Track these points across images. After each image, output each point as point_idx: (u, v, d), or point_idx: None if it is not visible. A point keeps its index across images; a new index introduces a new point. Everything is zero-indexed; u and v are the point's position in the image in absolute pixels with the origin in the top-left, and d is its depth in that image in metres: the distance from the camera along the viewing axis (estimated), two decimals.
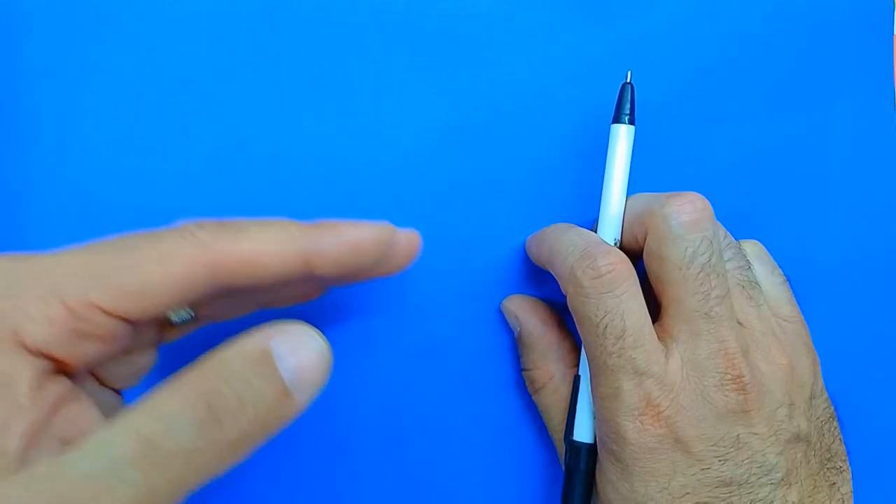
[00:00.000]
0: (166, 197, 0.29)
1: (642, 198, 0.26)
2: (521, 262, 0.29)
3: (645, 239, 0.25)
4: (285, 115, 0.29)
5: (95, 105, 0.29)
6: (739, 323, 0.25)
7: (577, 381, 0.26)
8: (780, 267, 0.28)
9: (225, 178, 0.29)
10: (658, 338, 0.24)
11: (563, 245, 0.25)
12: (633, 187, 0.27)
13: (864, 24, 0.30)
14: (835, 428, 0.26)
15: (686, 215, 0.24)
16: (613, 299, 0.23)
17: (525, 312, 0.28)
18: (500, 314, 0.29)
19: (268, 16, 0.29)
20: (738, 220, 0.30)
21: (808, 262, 0.30)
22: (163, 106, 0.29)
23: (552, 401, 0.28)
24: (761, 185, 0.30)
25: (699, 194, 0.24)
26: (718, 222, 0.25)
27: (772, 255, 0.28)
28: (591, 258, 0.24)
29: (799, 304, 0.28)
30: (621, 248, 0.26)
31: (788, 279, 0.27)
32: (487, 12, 0.29)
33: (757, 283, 0.26)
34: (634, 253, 0.26)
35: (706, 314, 0.24)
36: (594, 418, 0.25)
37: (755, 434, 0.23)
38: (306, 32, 0.29)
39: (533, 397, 0.29)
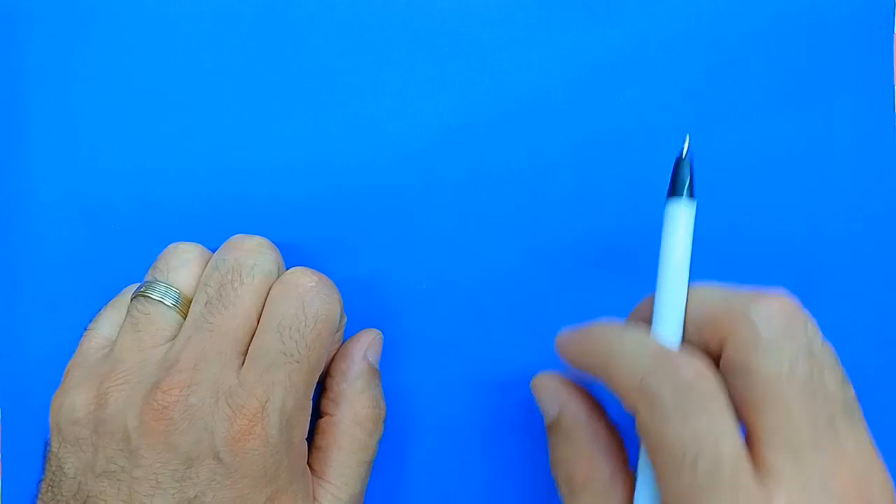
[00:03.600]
0: (167, 197, 0.29)
1: (712, 292, 0.22)
2: (520, 262, 0.29)
3: (719, 346, 0.21)
4: (285, 115, 0.29)
5: (96, 105, 0.29)
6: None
7: None
8: (780, 269, 0.28)
9: (225, 177, 0.29)
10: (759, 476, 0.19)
11: (622, 353, 0.21)
12: (637, 187, 0.27)
13: (864, 24, 0.30)
14: None
15: (778, 318, 0.20)
16: (705, 419, 0.19)
17: (567, 396, 0.24)
18: (501, 314, 0.29)
19: (268, 16, 0.29)
20: (737, 220, 0.30)
21: (808, 262, 0.30)
22: (163, 106, 0.29)
23: None
24: (761, 184, 0.30)
25: (789, 292, 0.20)
26: (813, 323, 0.21)
27: (771, 256, 0.28)
28: (669, 364, 0.19)
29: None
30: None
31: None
32: (487, 12, 0.29)
33: (857, 401, 0.21)
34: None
35: (815, 442, 0.19)
36: None
37: None
38: (306, 32, 0.29)
39: (565, 501, 0.23)
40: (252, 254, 0.25)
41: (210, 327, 0.24)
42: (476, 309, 0.29)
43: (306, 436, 0.25)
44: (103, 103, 0.29)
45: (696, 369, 0.19)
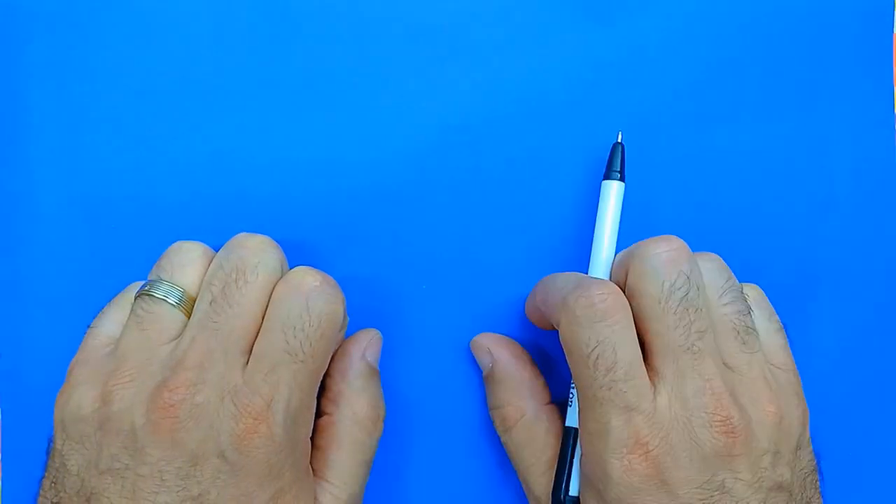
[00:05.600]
0: (169, 195, 0.29)
1: (629, 247, 0.26)
2: (519, 262, 0.29)
3: (625, 282, 0.25)
4: (286, 115, 0.29)
5: (96, 104, 0.29)
6: (728, 367, 0.24)
7: (569, 433, 0.26)
8: (780, 270, 0.28)
9: (225, 177, 0.29)
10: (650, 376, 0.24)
11: (556, 282, 0.25)
12: (640, 185, 0.27)
13: (864, 24, 0.30)
14: (816, 481, 0.25)
15: (664, 253, 0.24)
16: (606, 329, 0.23)
17: (498, 347, 0.28)
18: (500, 313, 0.29)
19: (268, 17, 0.29)
20: (736, 220, 0.30)
21: (808, 262, 0.30)
22: (164, 105, 0.29)
23: (524, 439, 0.27)
24: (761, 185, 0.30)
25: (677, 237, 0.24)
26: (726, 265, 0.26)
27: (771, 256, 0.28)
28: (584, 288, 0.23)
29: (798, 306, 0.28)
30: None
31: (785, 326, 0.27)
32: (487, 12, 0.29)
33: (754, 329, 0.25)
34: None
35: (688, 349, 0.23)
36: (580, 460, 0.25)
37: (740, 479, 0.23)
38: (306, 33, 0.29)
39: (502, 437, 0.28)
40: (256, 252, 0.25)
41: (215, 326, 0.24)
42: (476, 309, 0.29)
43: (310, 435, 0.25)
44: (104, 103, 0.29)
45: (603, 290, 0.23)
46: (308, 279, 0.24)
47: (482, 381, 0.29)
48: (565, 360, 0.24)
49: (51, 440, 0.25)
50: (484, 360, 0.28)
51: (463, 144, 0.29)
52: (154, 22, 0.29)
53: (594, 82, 0.30)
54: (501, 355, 0.28)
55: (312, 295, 0.24)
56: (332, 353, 0.26)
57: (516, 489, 0.29)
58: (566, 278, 0.25)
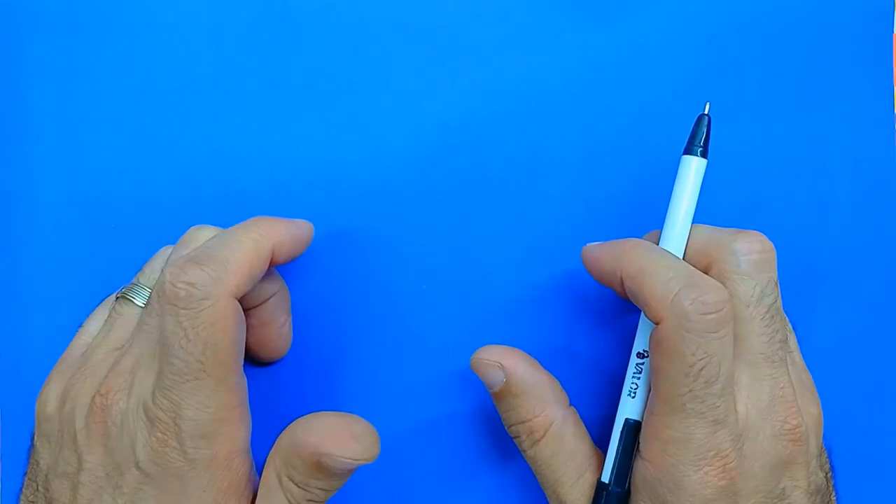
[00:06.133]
0: (167, 197, 0.29)
1: (705, 230, 0.25)
2: (520, 262, 0.29)
3: (705, 271, 0.24)
4: (285, 115, 0.29)
5: (96, 105, 0.29)
6: None
7: (629, 428, 0.24)
8: (780, 270, 0.28)
9: (225, 177, 0.29)
10: None
11: (659, 266, 0.23)
12: (637, 186, 0.27)
13: (864, 24, 0.30)
14: (832, 477, 0.26)
15: (756, 254, 0.23)
16: (717, 342, 0.21)
17: (510, 358, 0.25)
18: (501, 313, 0.29)
19: (268, 17, 0.29)
20: (736, 220, 0.30)
21: (808, 262, 0.30)
22: (163, 106, 0.29)
23: (553, 449, 0.25)
24: (760, 185, 0.30)
25: (764, 235, 0.24)
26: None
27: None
28: (700, 291, 0.22)
29: (798, 306, 0.28)
30: None
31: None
32: (487, 12, 0.29)
33: (791, 330, 0.25)
34: None
35: (768, 357, 0.23)
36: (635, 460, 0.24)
37: (798, 486, 0.23)
38: (306, 33, 0.29)
39: (528, 451, 0.25)
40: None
41: (148, 329, 0.23)
42: (476, 309, 0.29)
43: (244, 449, 0.23)
44: (104, 103, 0.29)
45: (721, 296, 0.22)
46: (172, 288, 0.22)
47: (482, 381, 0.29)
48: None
49: (32, 435, 0.25)
50: (494, 376, 0.25)
51: (463, 144, 0.29)
52: (154, 22, 0.29)
53: (594, 82, 0.30)
54: (517, 367, 0.25)
55: (181, 308, 0.21)
56: (237, 348, 0.23)
57: (516, 490, 0.29)
58: (670, 264, 0.23)
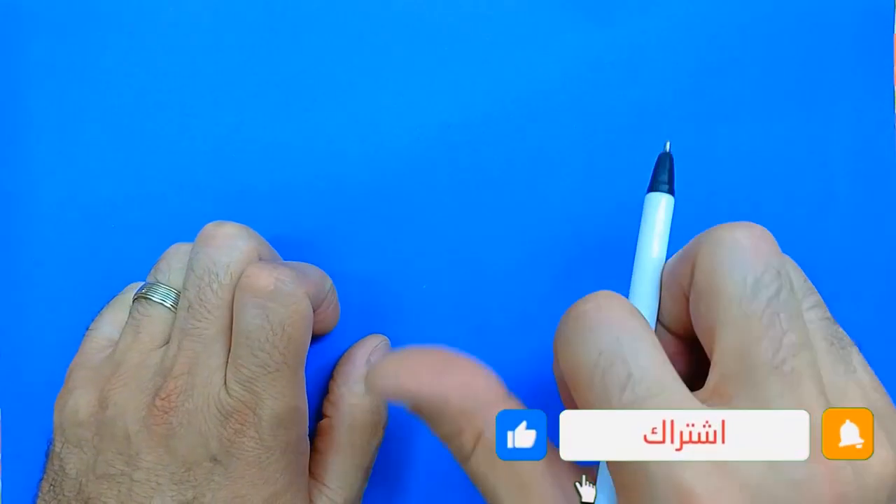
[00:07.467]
0: (167, 196, 0.29)
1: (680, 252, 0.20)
2: (520, 262, 0.29)
3: (690, 287, 0.19)
4: (286, 115, 0.29)
5: (96, 105, 0.29)
6: (826, 397, 0.17)
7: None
8: None
9: (225, 177, 0.29)
10: (708, 405, 0.17)
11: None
12: (637, 186, 0.27)
13: (864, 24, 0.30)
14: None
15: (744, 240, 0.18)
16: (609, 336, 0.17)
17: (407, 376, 0.20)
18: (501, 313, 0.29)
19: (268, 16, 0.29)
20: (736, 220, 0.29)
21: (808, 262, 0.30)
22: (163, 105, 0.29)
23: (489, 462, 0.20)
24: (761, 185, 0.30)
25: (757, 224, 0.19)
26: (792, 261, 0.20)
27: None
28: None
29: None
30: (663, 325, 0.21)
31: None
32: (487, 12, 0.29)
33: (851, 342, 0.19)
34: (680, 330, 0.20)
35: (776, 368, 0.16)
36: None
37: None
38: (306, 32, 0.29)
39: (464, 468, 0.21)
40: (224, 250, 0.24)
41: (196, 332, 0.24)
42: (476, 309, 0.29)
43: (307, 433, 0.25)
44: (104, 103, 0.29)
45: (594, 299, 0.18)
46: (261, 283, 0.23)
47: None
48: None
49: (50, 442, 0.25)
50: (397, 401, 0.20)
51: (463, 143, 0.29)
52: (154, 22, 0.29)
53: (594, 82, 0.30)
54: (418, 385, 0.20)
55: (269, 303, 0.23)
56: (308, 343, 0.25)
57: None
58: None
